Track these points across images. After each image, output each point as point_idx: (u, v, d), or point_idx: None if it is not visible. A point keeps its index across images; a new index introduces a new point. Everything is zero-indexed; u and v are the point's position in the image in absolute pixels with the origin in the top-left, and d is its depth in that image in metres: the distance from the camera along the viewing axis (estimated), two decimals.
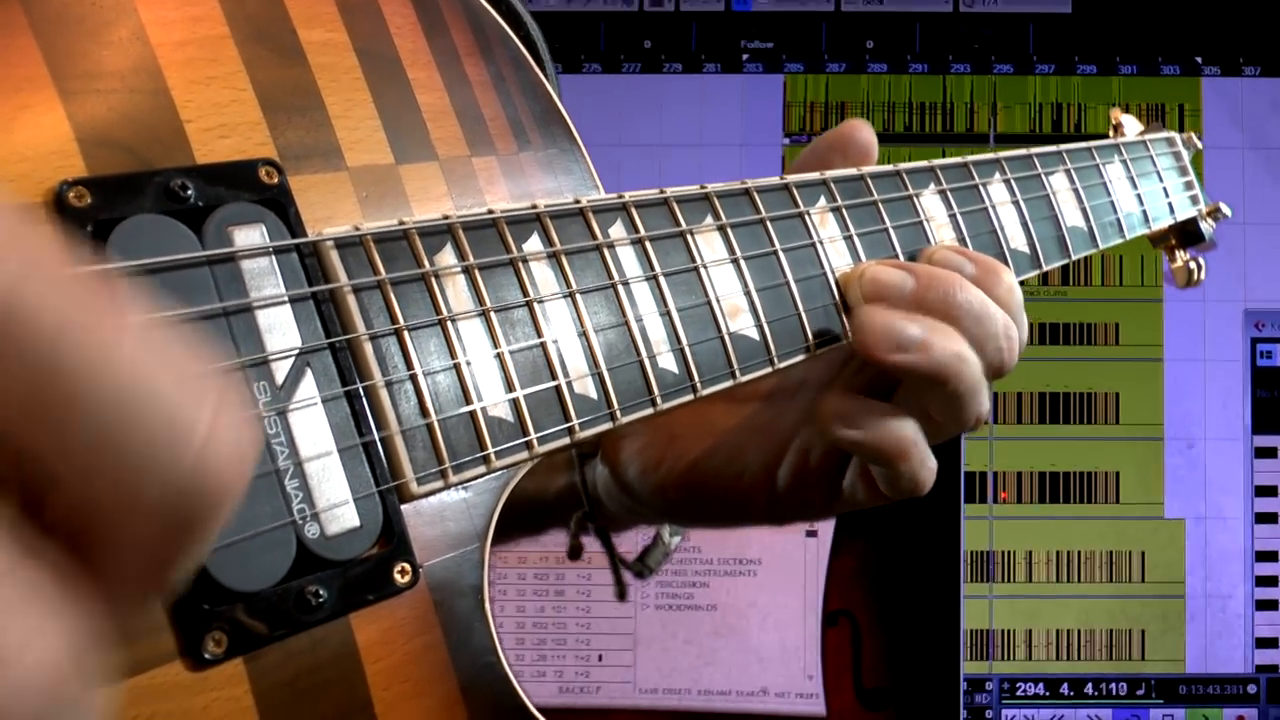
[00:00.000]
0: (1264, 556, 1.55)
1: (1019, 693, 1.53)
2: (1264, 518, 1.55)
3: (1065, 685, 1.54)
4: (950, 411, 0.51)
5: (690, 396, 0.46)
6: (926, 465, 0.52)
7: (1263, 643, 1.54)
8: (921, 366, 0.49)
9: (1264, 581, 1.55)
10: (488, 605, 0.41)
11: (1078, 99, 1.58)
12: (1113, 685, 1.53)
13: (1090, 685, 1.53)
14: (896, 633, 1.52)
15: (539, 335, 0.42)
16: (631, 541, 0.70)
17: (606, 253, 0.45)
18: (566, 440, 0.42)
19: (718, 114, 1.57)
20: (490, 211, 0.43)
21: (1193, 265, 0.88)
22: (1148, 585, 1.54)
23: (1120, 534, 1.55)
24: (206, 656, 0.34)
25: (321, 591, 0.36)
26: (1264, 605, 1.55)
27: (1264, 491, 1.55)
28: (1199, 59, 1.59)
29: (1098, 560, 1.55)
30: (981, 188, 0.62)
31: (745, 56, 1.58)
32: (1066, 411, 1.54)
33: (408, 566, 0.38)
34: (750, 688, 1.51)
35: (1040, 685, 1.54)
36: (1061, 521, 1.55)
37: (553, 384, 0.42)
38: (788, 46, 1.58)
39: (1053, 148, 0.69)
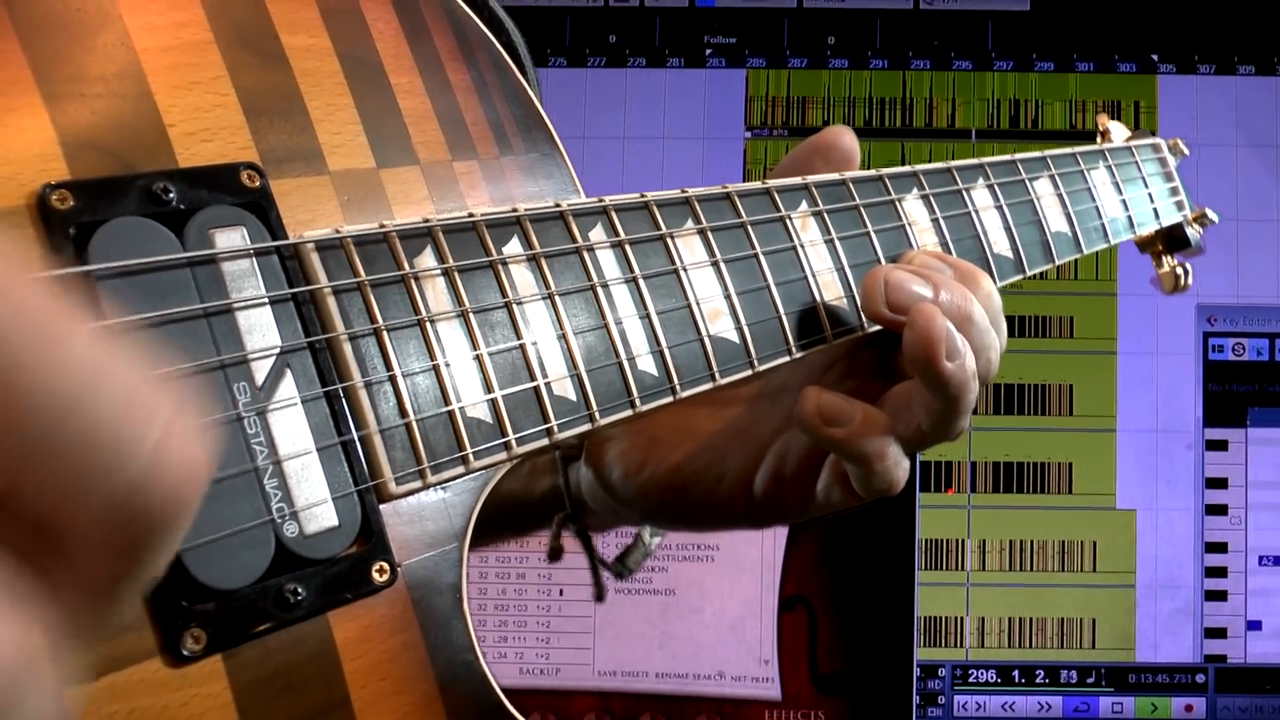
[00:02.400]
0: (1213, 548, 1.58)
1: (971, 679, 1.56)
2: (1214, 509, 1.58)
3: (1016, 672, 1.56)
4: (947, 424, 0.52)
5: (670, 399, 0.47)
6: (901, 466, 0.52)
7: (1211, 633, 1.57)
8: (958, 378, 0.50)
9: (1213, 572, 1.57)
10: (466, 604, 0.42)
11: (1035, 95, 1.62)
12: (1063, 673, 1.56)
13: (1041, 673, 1.56)
14: (851, 619, 1.55)
15: (518, 337, 0.43)
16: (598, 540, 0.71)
17: (586, 255, 0.46)
18: (545, 441, 0.42)
19: (681, 108, 1.61)
20: (470, 215, 0.43)
21: (1179, 271, 0.89)
22: (1099, 575, 1.57)
23: (1073, 524, 1.58)
24: (185, 653, 0.34)
25: (300, 589, 0.37)
26: (1213, 596, 1.57)
27: (1214, 484, 1.58)
28: (1155, 57, 1.62)
29: (1050, 550, 1.58)
30: (965, 192, 0.62)
31: (708, 51, 1.61)
32: (1021, 403, 1.57)
33: (386, 565, 0.39)
34: (707, 671, 1.53)
35: (992, 672, 1.56)
36: (1015, 511, 1.58)
37: (531, 385, 0.42)
38: (750, 42, 1.62)
39: (1037, 153, 0.70)
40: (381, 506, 0.39)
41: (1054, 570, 1.57)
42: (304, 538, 0.37)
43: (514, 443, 0.41)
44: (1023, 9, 1.62)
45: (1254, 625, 1.57)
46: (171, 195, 0.37)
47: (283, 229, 0.39)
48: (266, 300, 0.38)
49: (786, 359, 0.51)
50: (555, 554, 0.68)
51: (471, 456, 0.40)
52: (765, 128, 1.60)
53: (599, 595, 0.70)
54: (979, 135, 1.60)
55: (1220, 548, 1.57)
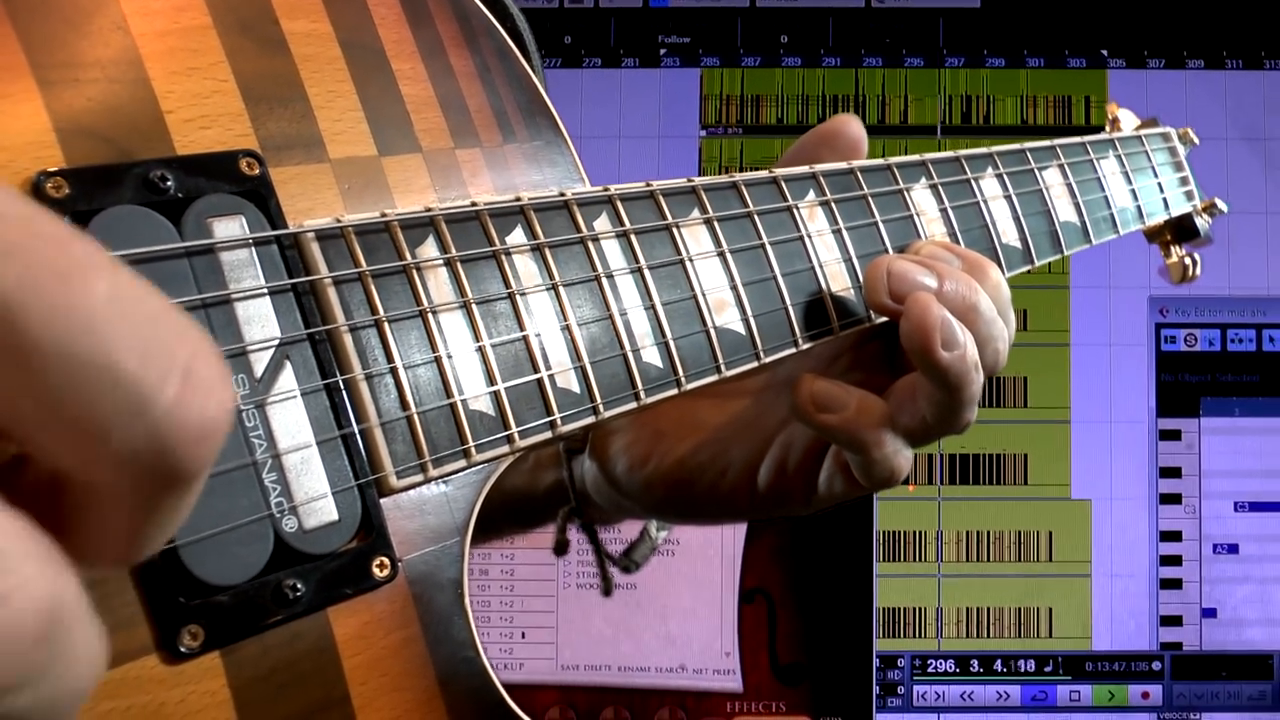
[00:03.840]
0: (1168, 536, 1.59)
1: (930, 669, 1.58)
2: (1168, 499, 1.60)
3: (975, 662, 1.58)
4: (952, 415, 0.51)
5: (674, 391, 0.46)
6: (902, 454, 0.52)
7: (1167, 621, 1.59)
8: (957, 368, 0.49)
9: (1168, 561, 1.59)
10: (467, 599, 0.41)
11: (986, 91, 1.63)
12: (1021, 662, 1.58)
13: (999, 662, 1.58)
14: (811, 611, 1.56)
15: (521, 328, 0.42)
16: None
17: (591, 246, 0.45)
18: (548, 434, 0.42)
19: (636, 107, 1.62)
20: (473, 204, 0.42)
21: (1188, 261, 0.88)
22: (1055, 564, 1.59)
23: (1028, 514, 1.59)
24: (182, 650, 0.34)
25: (299, 585, 0.36)
26: (1168, 584, 1.59)
27: (1168, 473, 1.60)
28: (1105, 52, 1.63)
29: (1007, 540, 1.59)
30: (973, 182, 0.62)
31: (663, 51, 1.63)
32: None
33: (386, 560, 0.38)
34: (669, 664, 1.54)
35: (950, 662, 1.58)
36: (971, 502, 1.59)
37: (534, 377, 0.42)
38: (704, 41, 1.63)
39: (1046, 142, 0.69)
40: (382, 500, 0.38)
41: (1011, 560, 1.59)
42: (303, 532, 0.36)
43: (516, 435, 0.41)
44: (973, 6, 1.64)
45: (1209, 613, 1.59)
46: (169, 183, 0.36)
47: (282, 218, 0.38)
48: (266, 291, 0.37)
49: (793, 350, 0.51)
50: (561, 548, 0.67)
51: (473, 449, 0.40)
52: (720, 126, 1.62)
53: (606, 590, 0.69)
54: (930, 131, 1.61)
55: (1175, 536, 1.59)
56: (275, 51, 0.41)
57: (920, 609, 1.57)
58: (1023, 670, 1.57)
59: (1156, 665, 1.58)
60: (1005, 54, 1.63)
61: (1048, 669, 1.57)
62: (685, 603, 1.54)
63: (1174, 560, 1.58)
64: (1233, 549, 1.59)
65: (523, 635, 1.53)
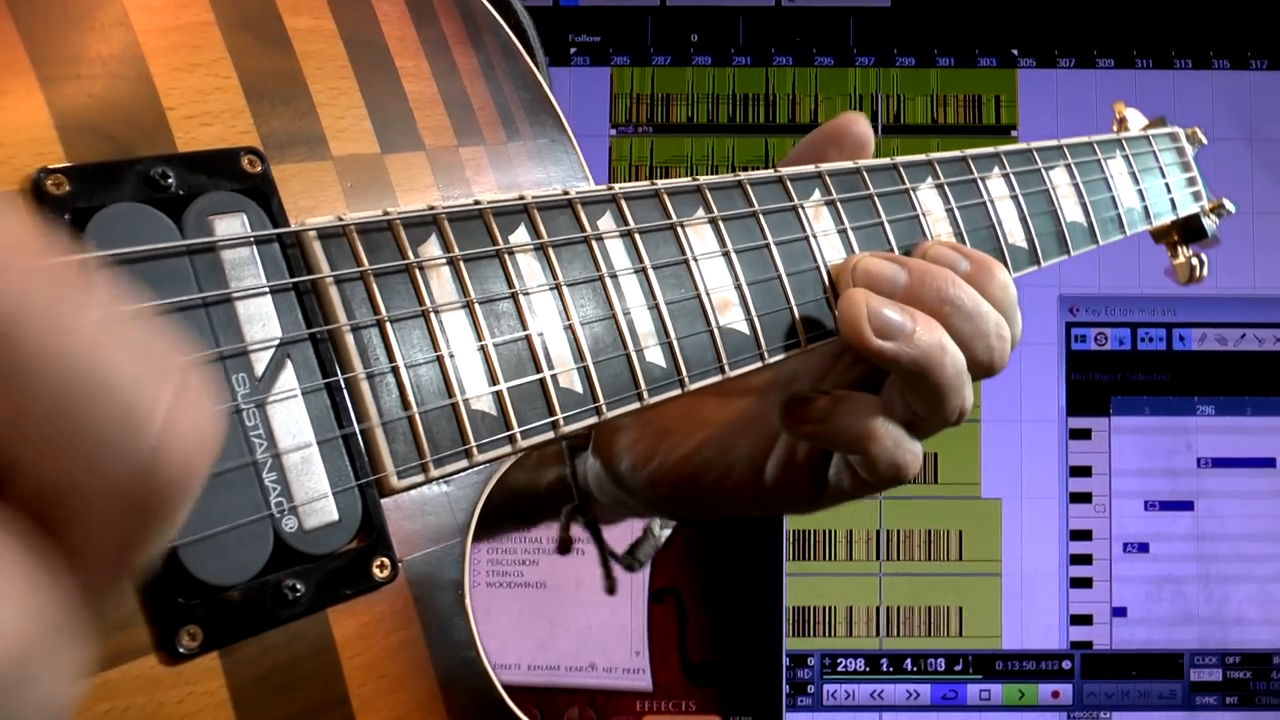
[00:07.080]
0: (1078, 535, 1.60)
1: (840, 668, 1.58)
2: (1078, 497, 1.60)
3: (885, 661, 1.58)
4: (931, 404, 0.51)
5: (678, 391, 0.46)
6: (904, 448, 0.51)
7: (1077, 619, 1.59)
8: (905, 356, 0.49)
9: (1078, 560, 1.59)
10: (468, 600, 0.41)
11: (897, 90, 1.64)
12: (931, 661, 1.58)
13: (909, 661, 1.58)
14: (721, 610, 1.56)
15: (524, 328, 0.42)
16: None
17: (595, 245, 0.45)
18: (550, 434, 0.42)
19: None
20: (477, 202, 0.42)
21: (1195, 261, 0.88)
22: (965, 564, 1.59)
23: (939, 513, 1.59)
24: (181, 650, 0.33)
25: (299, 585, 0.36)
26: (1078, 583, 1.59)
27: (1078, 472, 1.60)
28: (1015, 51, 1.64)
29: (917, 539, 1.59)
30: (980, 182, 0.61)
31: (573, 50, 1.64)
32: None
33: (387, 561, 0.38)
34: (578, 663, 1.54)
35: (860, 661, 1.58)
36: (881, 501, 1.59)
37: (537, 377, 0.41)
38: (614, 40, 1.64)
39: (1053, 141, 0.68)
40: (383, 501, 0.38)
41: (921, 559, 1.59)
42: (303, 533, 0.36)
43: (519, 435, 0.40)
44: (883, 6, 1.64)
45: (1119, 611, 1.59)
46: (170, 180, 0.36)
47: (284, 216, 0.38)
48: (267, 290, 0.37)
49: (796, 351, 0.51)
50: (565, 546, 0.67)
51: (475, 450, 0.39)
52: (630, 125, 1.62)
53: (610, 588, 0.69)
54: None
55: (1085, 535, 1.59)
56: (278, 48, 0.41)
57: (830, 608, 1.57)
58: (932, 669, 1.57)
59: (1067, 664, 1.58)
60: (915, 53, 1.63)
61: (958, 668, 1.57)
62: (595, 602, 1.54)
63: (1084, 559, 1.58)
64: (1143, 548, 1.59)
65: None
